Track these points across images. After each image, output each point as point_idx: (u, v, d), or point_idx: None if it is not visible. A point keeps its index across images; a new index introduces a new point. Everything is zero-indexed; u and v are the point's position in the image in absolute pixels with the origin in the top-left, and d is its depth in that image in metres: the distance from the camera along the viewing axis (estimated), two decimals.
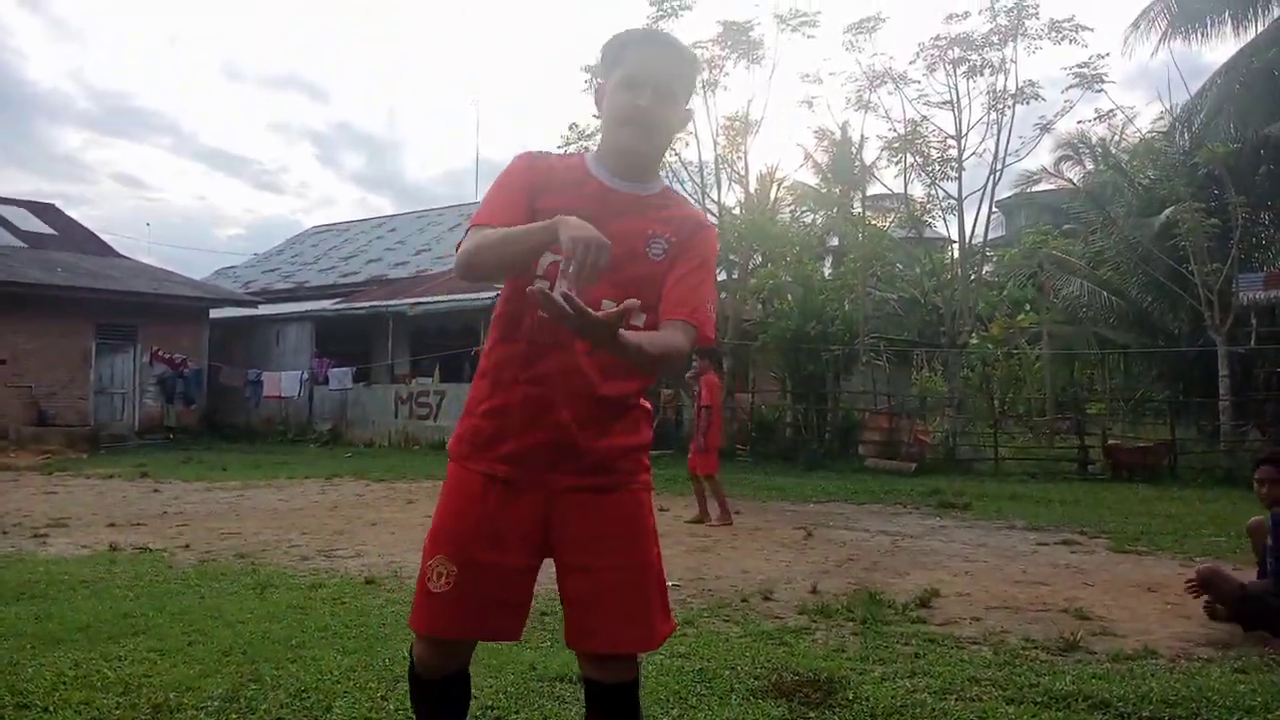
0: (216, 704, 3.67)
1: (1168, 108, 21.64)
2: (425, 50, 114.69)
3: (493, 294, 19.72)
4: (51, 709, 3.58)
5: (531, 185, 2.17)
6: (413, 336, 22.58)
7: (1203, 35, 20.80)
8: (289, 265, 32.55)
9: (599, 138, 2.32)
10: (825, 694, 3.79)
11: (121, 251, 27.49)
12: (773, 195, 24.73)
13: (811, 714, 3.61)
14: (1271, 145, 18.15)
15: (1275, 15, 19.92)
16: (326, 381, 22.47)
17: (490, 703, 3.71)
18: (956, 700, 3.79)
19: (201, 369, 23.66)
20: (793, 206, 25.39)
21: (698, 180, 19.65)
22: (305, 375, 23.06)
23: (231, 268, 35.64)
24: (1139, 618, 5.46)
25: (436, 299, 21.42)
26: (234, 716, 3.54)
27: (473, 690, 3.82)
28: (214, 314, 24.48)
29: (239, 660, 4.29)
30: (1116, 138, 23.28)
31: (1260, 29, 20.09)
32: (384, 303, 22.60)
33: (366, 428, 21.59)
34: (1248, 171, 17.98)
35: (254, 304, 25.50)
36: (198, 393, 23.60)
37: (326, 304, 24.77)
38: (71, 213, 28.49)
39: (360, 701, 3.71)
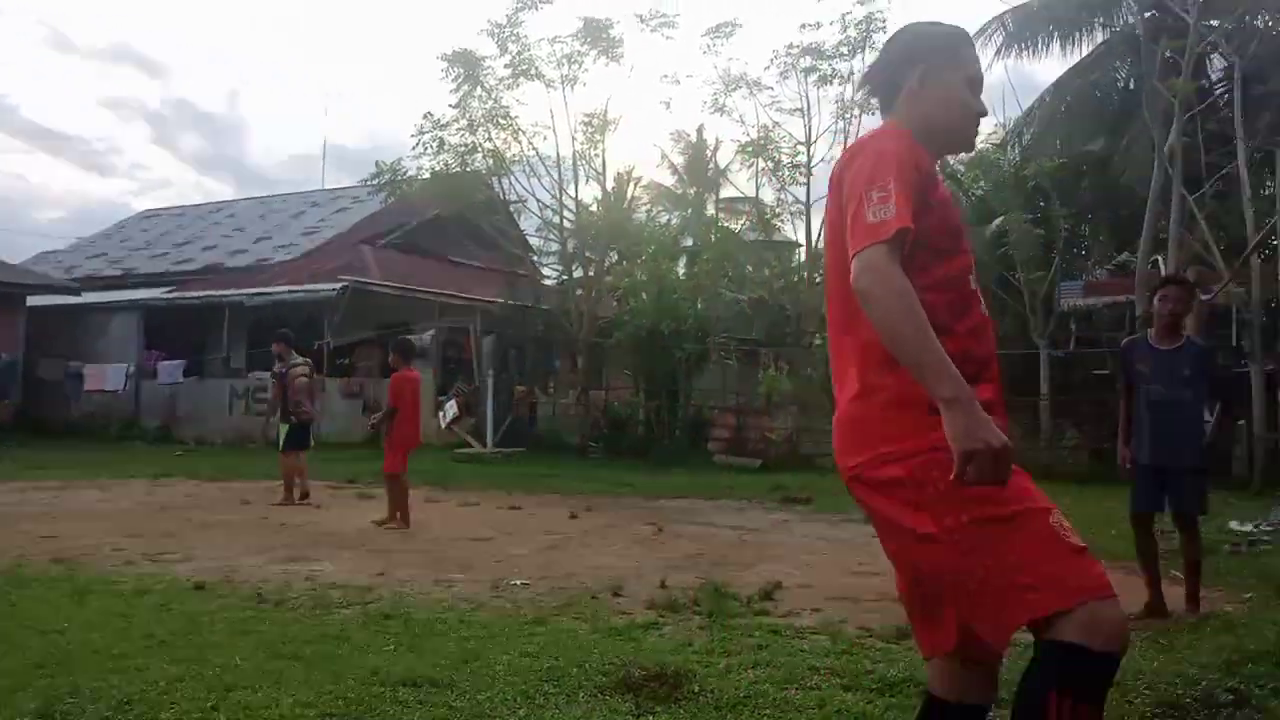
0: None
1: (1001, 121, 22.95)
2: (272, 28, 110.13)
3: (334, 286, 19.11)
4: None
5: (921, 174, 2.06)
6: (251, 329, 21.60)
7: (1034, 53, 22.14)
8: (117, 250, 30.62)
9: (905, 114, 2.21)
10: (672, 688, 3.83)
11: None
12: (630, 194, 24.97)
13: (658, 708, 3.63)
14: (1093, 161, 19.48)
15: (1098, 39, 21.40)
16: (155, 375, 21.29)
17: (330, 710, 3.57)
18: (797, 689, 3.90)
19: (16, 360, 21.94)
20: (649, 206, 25.69)
21: (554, 175, 19.61)
22: (132, 368, 21.76)
23: (53, 252, 33.20)
24: None
25: (277, 290, 20.60)
26: None
27: (310, 697, 3.69)
28: (31, 301, 22.73)
29: (54, 672, 4.01)
30: None
31: (1085, 51, 21.57)
32: (220, 292, 21.56)
33: (199, 424, 20.49)
34: (1071, 185, 19.25)
35: (76, 291, 23.82)
36: (12, 386, 21.87)
37: (157, 292, 23.42)
38: None
39: (189, 713, 3.52)
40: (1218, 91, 18.11)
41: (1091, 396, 16.47)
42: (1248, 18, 16.27)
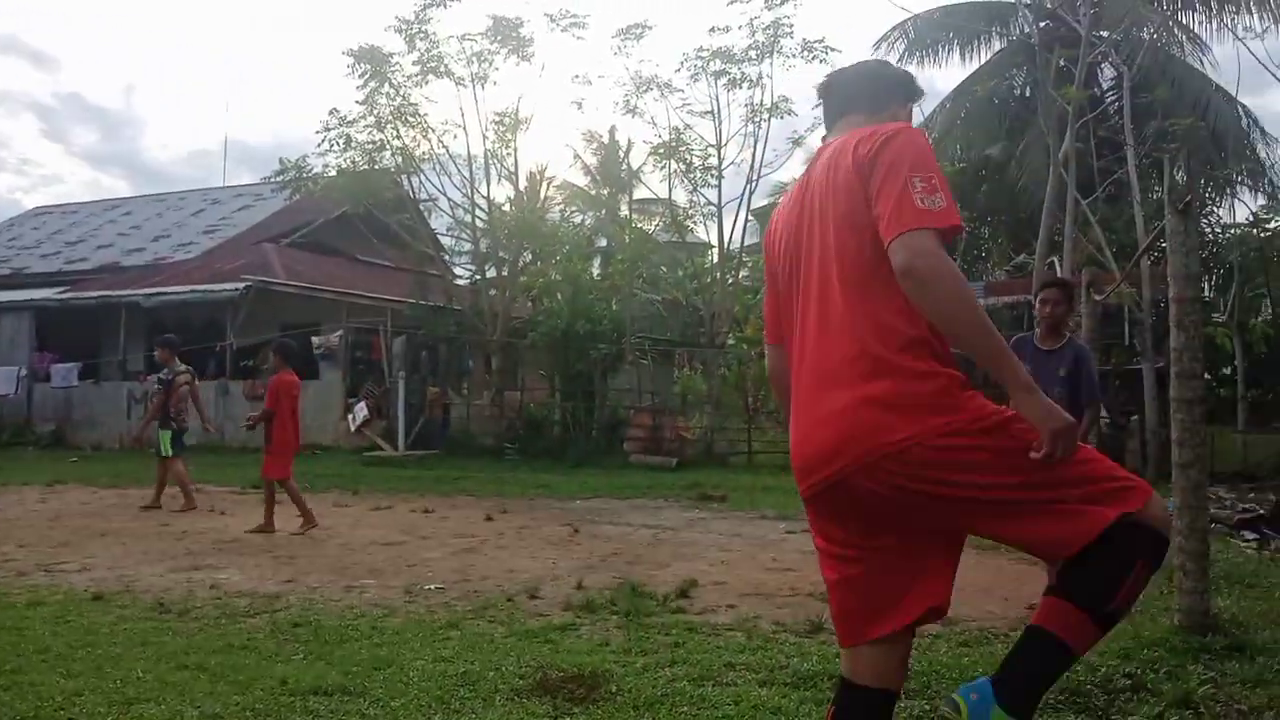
0: None
1: None
2: (168, 19, 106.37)
3: (236, 286, 18.58)
4: None
5: None
6: (149, 330, 20.82)
7: (935, 61, 22.85)
8: (5, 249, 29.19)
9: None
10: (589, 689, 3.83)
11: None
12: (543, 194, 24.86)
13: (576, 709, 3.63)
14: (992, 165, 20.16)
15: (996, 48, 22.16)
16: (48, 378, 20.40)
17: None
18: (714, 686, 3.93)
19: None
20: (563, 206, 25.62)
21: (466, 174, 19.40)
22: (23, 371, 20.79)
23: None
24: None
25: (176, 290, 19.93)
26: None
27: (216, 709, 3.58)
28: None
29: None
30: None
31: (984, 59, 22.31)
32: (116, 293, 20.75)
33: (95, 429, 19.70)
34: (971, 189, 19.89)
35: None
36: None
37: (49, 293, 22.43)
38: None
39: None
40: (1108, 100, 18.93)
41: (989, 394, 17.02)
42: (1135, 30, 17.03)
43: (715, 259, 21.00)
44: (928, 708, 3.63)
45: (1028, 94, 20.62)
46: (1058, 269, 12.99)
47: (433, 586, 6.22)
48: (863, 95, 2.45)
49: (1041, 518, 2.13)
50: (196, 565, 6.94)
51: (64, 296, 21.70)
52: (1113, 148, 15.15)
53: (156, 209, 30.69)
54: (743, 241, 20.12)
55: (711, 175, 18.78)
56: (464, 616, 5.32)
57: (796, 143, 19.13)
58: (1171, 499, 5.04)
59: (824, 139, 2.54)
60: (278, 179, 19.75)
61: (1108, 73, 19.95)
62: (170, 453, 10.43)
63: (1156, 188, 16.78)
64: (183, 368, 10.91)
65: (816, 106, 16.19)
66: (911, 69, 22.08)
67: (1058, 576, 2.26)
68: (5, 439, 19.85)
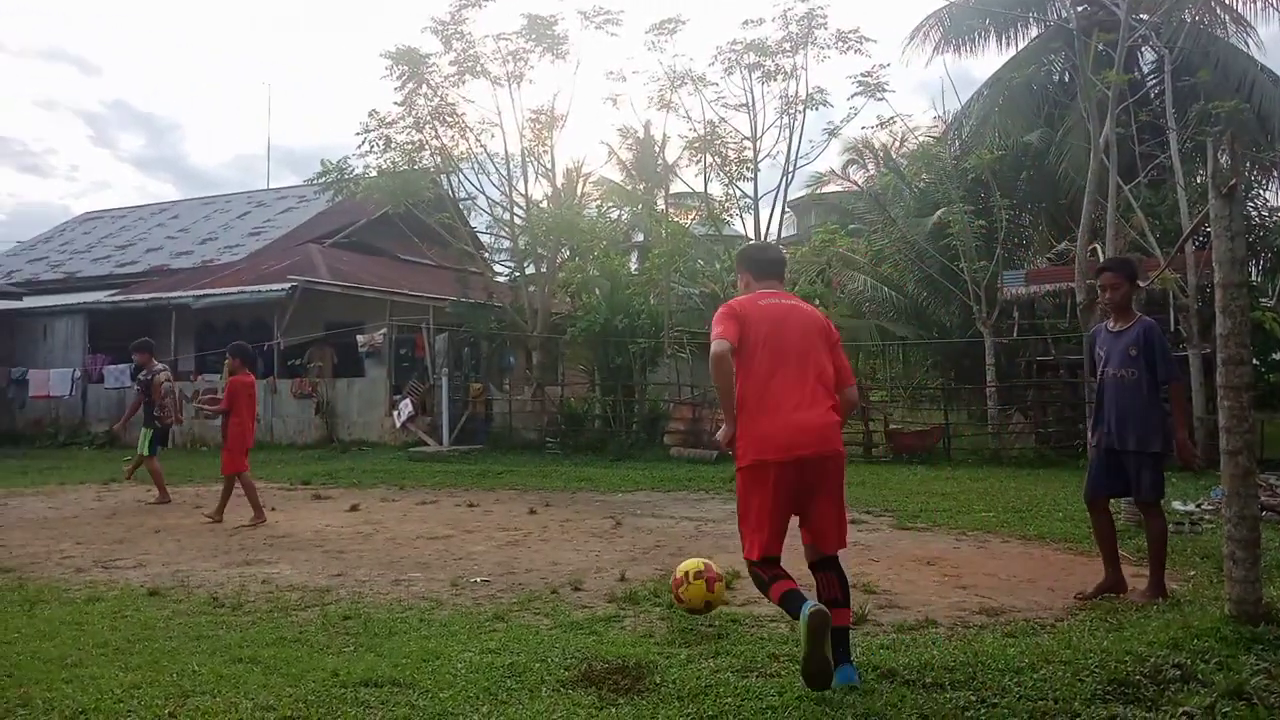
0: None
1: (941, 115, 23.27)
2: (211, 25, 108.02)
3: (282, 287, 18.87)
4: None
5: None
6: (199, 331, 21.24)
7: (971, 49, 22.57)
8: (58, 254, 29.88)
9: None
10: (634, 680, 3.87)
11: None
12: (579, 190, 24.92)
13: (621, 700, 3.67)
14: (1031, 152, 19.85)
15: (1033, 34, 21.82)
16: (102, 380, 20.84)
17: (290, 713, 3.56)
18: (757, 677, 3.96)
19: None
20: (599, 202, 25.63)
21: (504, 172, 19.52)
22: (78, 373, 21.28)
23: None
24: (920, 589, 5.87)
25: (224, 291, 20.27)
26: None
27: (270, 701, 3.68)
28: None
29: (4, 684, 3.96)
30: (897, 143, 24.86)
31: (1020, 46, 21.98)
32: (166, 294, 21.16)
33: None
34: (1011, 176, 19.60)
35: (18, 295, 23.27)
36: None
37: (101, 296, 22.92)
38: None
39: None
40: (1150, 83, 18.56)
41: (1035, 382, 16.81)
42: (1176, 12, 16.68)
43: None
44: (974, 698, 3.63)
45: (1066, 80, 20.27)
46: (1100, 255, 12.79)
47: (479, 579, 6.30)
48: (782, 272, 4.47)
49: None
50: (248, 561, 7.09)
51: (115, 299, 22.16)
52: (1155, 132, 14.85)
53: (203, 212, 31.21)
54: (779, 233, 19.98)
55: (747, 168, 18.66)
56: (510, 609, 5.39)
57: (832, 134, 18.94)
58: (1219, 487, 4.98)
59: (764, 284, 4.25)
60: (320, 181, 19.98)
61: (1148, 56, 19.57)
62: (146, 452, 10.97)
63: (1200, 172, 16.42)
64: (160, 366, 11.39)
65: (852, 97, 15.89)
66: (948, 58, 21.69)
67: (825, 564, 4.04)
68: (62, 439, 20.35)
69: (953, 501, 10.14)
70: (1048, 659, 4.06)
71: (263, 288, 19.61)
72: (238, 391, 9.55)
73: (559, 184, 21.04)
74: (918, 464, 14.47)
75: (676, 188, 22.51)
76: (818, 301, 25.70)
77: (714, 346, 3.88)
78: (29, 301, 23.13)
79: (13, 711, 3.57)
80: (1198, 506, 8.95)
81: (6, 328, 22.53)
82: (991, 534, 8.09)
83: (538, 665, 4.14)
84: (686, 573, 4.72)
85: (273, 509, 10.18)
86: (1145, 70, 19.78)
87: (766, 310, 4.04)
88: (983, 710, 3.52)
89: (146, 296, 21.59)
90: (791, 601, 3.74)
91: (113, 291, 23.41)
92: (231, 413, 9.50)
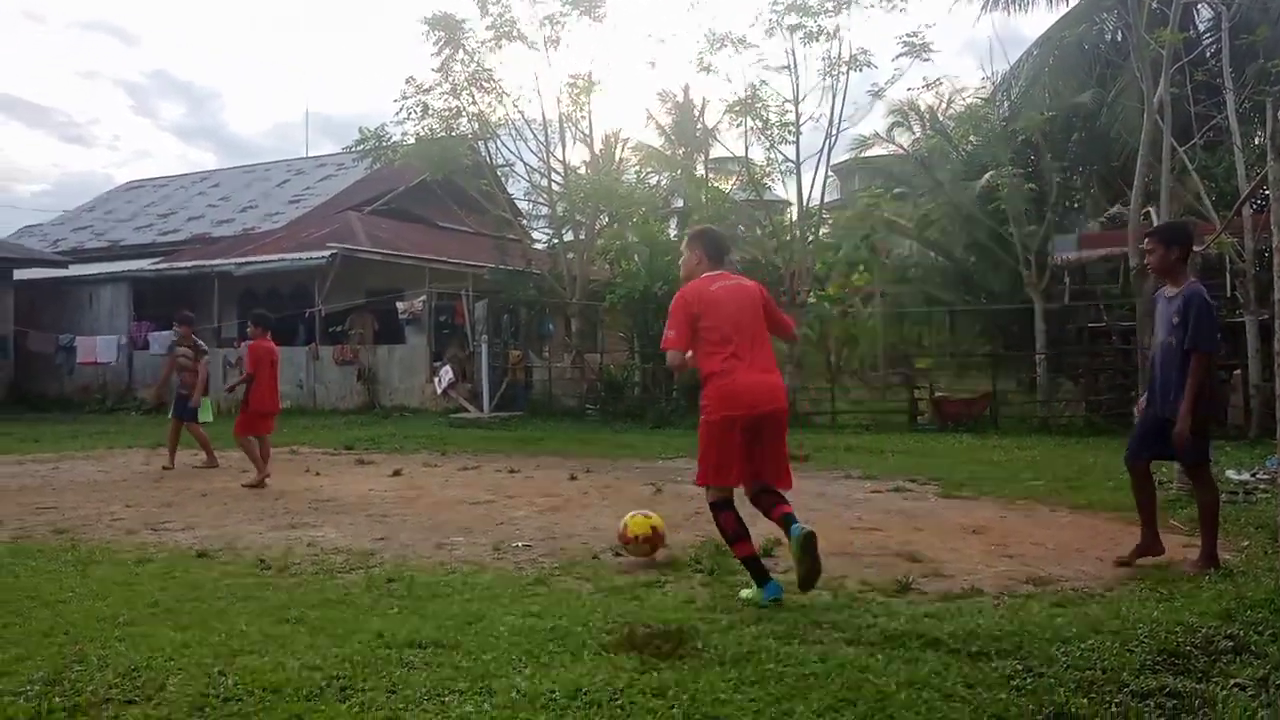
0: (37, 687, 3.42)
1: (989, 76, 22.78)
2: None
3: (322, 254, 19.00)
4: None
5: None
6: (241, 298, 21.50)
7: (1020, 7, 21.98)
8: (102, 223, 30.36)
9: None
10: (675, 645, 3.86)
11: None
12: (618, 156, 24.75)
13: (662, 664, 3.66)
14: (1083, 114, 19.37)
15: None
16: (147, 346, 21.20)
17: (336, 673, 3.59)
18: (799, 643, 3.93)
19: (6, 335, 21.87)
20: (638, 167, 25.46)
21: (541, 138, 19.44)
22: (123, 340, 21.67)
23: (37, 225, 32.93)
24: (966, 558, 5.80)
25: (265, 259, 20.47)
26: (57, 699, 3.31)
27: (316, 661, 3.72)
28: (19, 275, 22.60)
29: (61, 641, 4.02)
30: (943, 105, 24.37)
31: (1072, 3, 21.38)
32: (208, 262, 21.42)
33: None
34: (1061, 138, 19.16)
35: (64, 264, 23.67)
36: (3, 360, 21.83)
37: (145, 264, 23.26)
38: None
39: (196, 678, 3.54)
40: (1205, 42, 17.98)
41: (1087, 349, 16.51)
42: None
43: (795, 216, 20.69)
44: (1020, 667, 3.57)
45: (1119, 38, 19.71)
46: (1154, 219, 12.48)
47: (520, 544, 6.33)
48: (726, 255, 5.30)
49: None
50: (294, 524, 7.18)
51: (159, 267, 22.48)
52: (1210, 92, 14.42)
53: (244, 180, 31.51)
54: (822, 198, 19.77)
55: (789, 131, 18.40)
56: (551, 573, 5.40)
57: (877, 95, 18.62)
58: (1274, 456, 4.84)
59: (713, 265, 5.05)
60: (358, 148, 20.05)
61: (1204, 13, 18.94)
62: (192, 417, 11.12)
63: (1258, 133, 15.94)
64: (186, 339, 11.45)
65: (897, 58, 15.66)
66: (996, 16, 21.20)
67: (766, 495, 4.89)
68: (109, 404, 20.77)
69: (1000, 470, 10.02)
70: (1096, 629, 3.99)
71: (303, 255, 19.78)
72: (260, 356, 9.70)
73: (597, 150, 20.93)
74: (964, 432, 14.30)
75: (716, 152, 22.32)
76: (862, 267, 25.50)
77: (670, 356, 4.91)
78: (75, 269, 23.53)
79: (69, 667, 3.64)
80: (1252, 475, 8.75)
81: (54, 295, 22.96)
82: (1040, 503, 7.98)
83: (579, 629, 4.14)
84: (636, 536, 5.68)
85: (317, 474, 10.32)
86: (1201, 28, 19.14)
87: (719, 294, 4.87)
88: (1029, 679, 3.46)
89: (189, 264, 21.88)
90: (756, 570, 4.79)
91: (156, 259, 23.75)
92: (255, 377, 9.65)
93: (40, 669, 3.62)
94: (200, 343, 11.61)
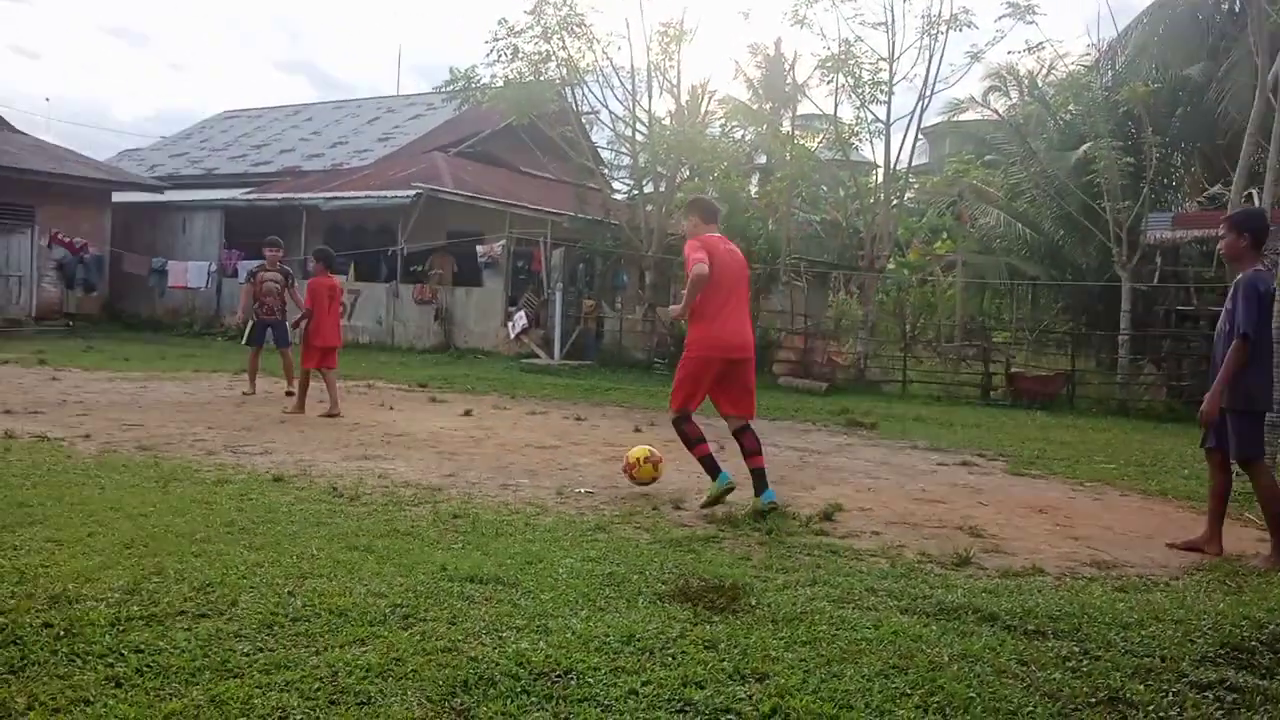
0: (117, 596, 3.61)
1: (1095, 42, 21.90)
2: None
3: (407, 194, 19.25)
4: None
5: None
6: (327, 232, 21.94)
7: None
8: (198, 151, 31.16)
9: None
10: (730, 599, 3.90)
11: (17, 126, 25.91)
12: (703, 108, 24.47)
13: (715, 618, 3.71)
14: (1190, 87, 18.56)
15: None
16: (235, 274, 21.81)
17: (400, 601, 3.72)
18: (854, 609, 3.94)
19: (103, 255, 22.72)
20: (723, 121, 25.16)
21: (628, 87, 19.31)
22: (213, 266, 22.33)
23: (137, 150, 33.96)
24: (1029, 537, 5.73)
25: (353, 195, 20.82)
26: (135, 609, 3.49)
27: (382, 588, 3.86)
28: (117, 198, 23.39)
29: (140, 553, 4.23)
30: (1044, 71, 23.55)
31: None
32: (297, 195, 21.87)
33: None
34: (1165, 112, 18.39)
35: (160, 189, 24.40)
36: (99, 279, 22.70)
37: (237, 193, 23.85)
38: None
39: (266, 597, 3.70)
40: None
41: (1173, 332, 15.98)
42: None
43: (880, 179, 20.29)
44: (1076, 649, 3.54)
45: (1236, 9, 18.77)
46: (1255, 201, 11.96)
47: (583, 490, 6.43)
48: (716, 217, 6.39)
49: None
50: (367, 455, 7.40)
51: (250, 198, 23.02)
52: None
53: (335, 116, 31.96)
54: (910, 161, 19.30)
55: (881, 90, 17.96)
56: (611, 521, 5.49)
57: (975, 57, 18.02)
58: None
59: (709, 227, 6.15)
60: (448, 89, 20.16)
61: None
62: (244, 343, 11.68)
63: None
64: (272, 269, 11.81)
65: (999, 19, 15.13)
66: None
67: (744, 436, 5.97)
68: (197, 329, 21.50)
69: (1072, 450, 9.82)
70: (1158, 616, 3.93)
71: (388, 193, 20.06)
72: (318, 292, 9.96)
73: (683, 101, 20.71)
74: (1038, 410, 14.01)
75: (804, 109, 21.89)
76: (945, 235, 24.97)
77: (697, 269, 5.71)
78: (170, 195, 24.24)
79: (148, 579, 3.83)
80: None
81: (149, 219, 23.72)
82: (1110, 486, 7.82)
83: (636, 577, 4.22)
84: (638, 459, 6.48)
85: (391, 408, 10.57)
86: None
87: (726, 256, 5.97)
88: (1085, 661, 3.43)
89: (279, 196, 22.35)
90: (710, 466, 5.99)
91: (247, 189, 24.32)
92: (314, 312, 9.94)
93: (121, 578, 3.82)
94: (288, 268, 11.90)
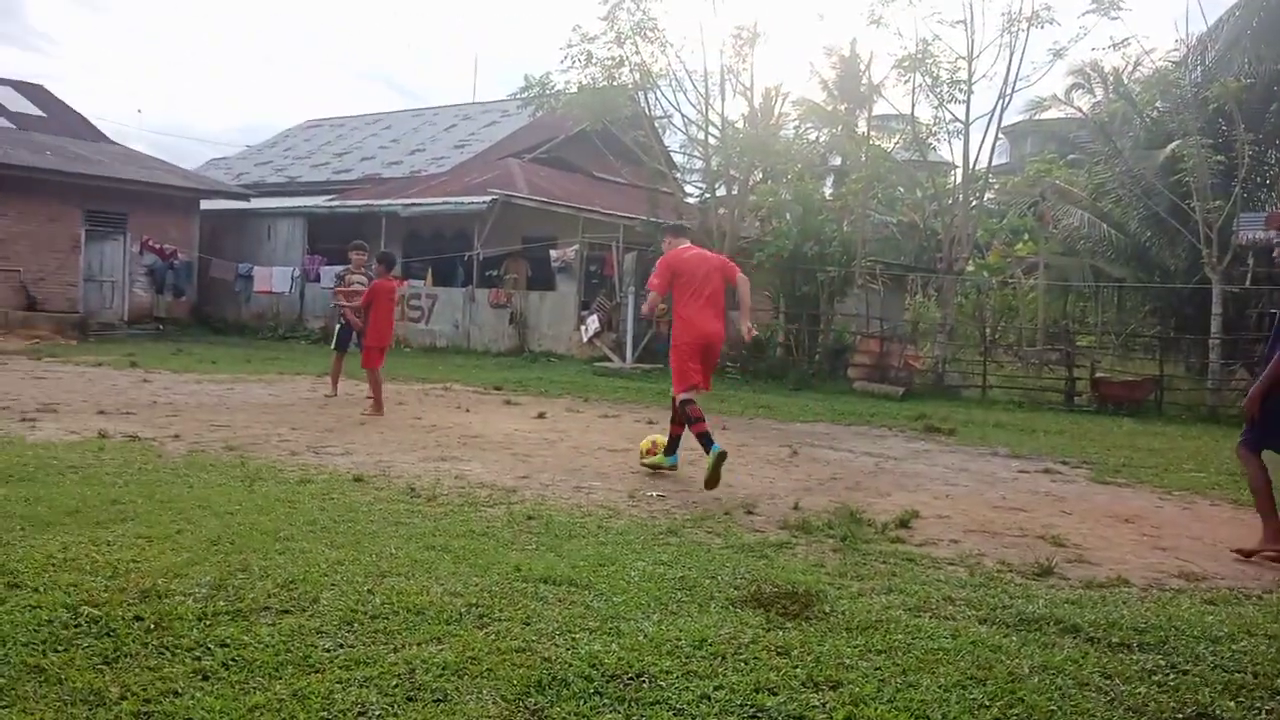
0: (204, 591, 3.73)
1: (1183, 37, 21.20)
2: None
3: (484, 199, 19.52)
4: (41, 589, 3.64)
5: None
6: (406, 238, 22.39)
7: None
8: (282, 159, 32.05)
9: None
10: (803, 606, 3.87)
11: (112, 137, 27.00)
12: (777, 110, 24.32)
13: (789, 625, 3.68)
14: None
15: None
16: (318, 279, 22.37)
17: (476, 600, 3.77)
18: (930, 618, 3.88)
19: (192, 260, 23.50)
20: (797, 122, 24.98)
21: (701, 90, 19.29)
22: (297, 272, 22.93)
23: (223, 159, 35.07)
24: (1114, 547, 5.56)
25: (430, 201, 21.19)
26: (221, 604, 3.60)
27: (458, 588, 3.92)
28: (205, 205, 24.19)
29: (227, 550, 4.36)
30: (1130, 67, 22.86)
31: None
32: (377, 202, 22.34)
33: None
34: (1258, 108, 17.70)
35: (246, 197, 25.16)
36: (188, 284, 23.49)
37: (319, 200, 24.47)
38: (60, 94, 27.77)
39: (347, 594, 3.78)
40: None
41: (1266, 336, 15.35)
42: None
43: (958, 179, 19.92)
44: (1162, 662, 3.43)
45: None
46: None
47: (654, 494, 6.44)
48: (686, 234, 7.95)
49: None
50: (444, 457, 7.52)
51: (331, 205, 23.60)
52: None
53: (413, 124, 32.57)
54: (990, 161, 18.90)
55: (960, 89, 17.63)
56: (683, 525, 5.49)
57: (1058, 55, 17.54)
58: None
59: (683, 244, 7.61)
60: (522, 95, 20.39)
61: None
62: (332, 346, 12.01)
63: None
64: (358, 272, 11.98)
65: (1083, 15, 14.75)
66: None
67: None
68: (282, 333, 22.10)
69: (1159, 458, 9.51)
70: (1250, 631, 3.79)
71: (465, 199, 20.38)
72: (378, 293, 10.29)
73: (756, 103, 20.61)
74: (1124, 416, 13.61)
75: (880, 109, 21.61)
76: (1027, 236, 24.41)
77: (650, 297, 7.53)
78: (255, 203, 24.98)
79: (233, 575, 3.95)
80: None
81: (235, 226, 24.47)
82: (1200, 495, 7.55)
83: (708, 582, 4.21)
84: (654, 442, 7.46)
85: (467, 410, 10.73)
86: None
87: (688, 260, 7.32)
88: (1172, 676, 3.33)
89: (360, 203, 22.86)
90: (705, 442, 6.76)
91: (330, 196, 24.92)
92: (371, 313, 10.25)
93: (208, 574, 3.94)
94: (371, 272, 12.16)
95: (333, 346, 12.11)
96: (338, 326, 11.98)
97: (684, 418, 7.06)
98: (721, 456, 6.54)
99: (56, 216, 20.89)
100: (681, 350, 7.20)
